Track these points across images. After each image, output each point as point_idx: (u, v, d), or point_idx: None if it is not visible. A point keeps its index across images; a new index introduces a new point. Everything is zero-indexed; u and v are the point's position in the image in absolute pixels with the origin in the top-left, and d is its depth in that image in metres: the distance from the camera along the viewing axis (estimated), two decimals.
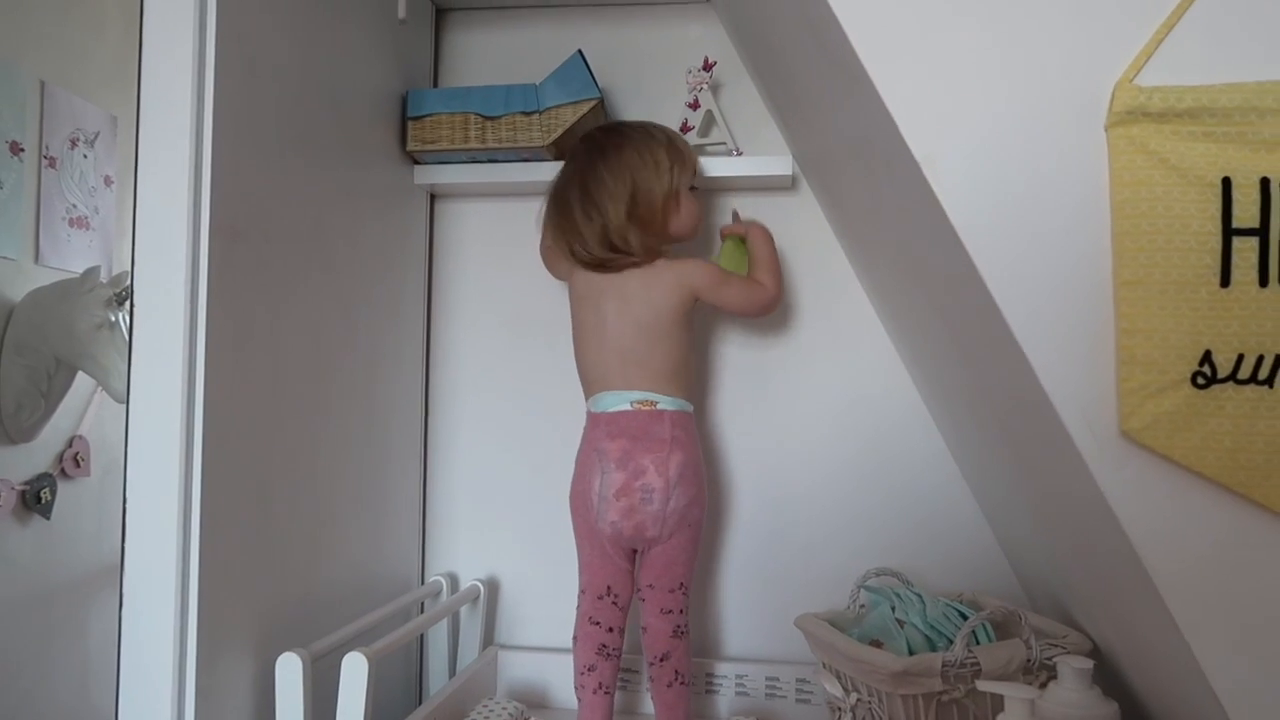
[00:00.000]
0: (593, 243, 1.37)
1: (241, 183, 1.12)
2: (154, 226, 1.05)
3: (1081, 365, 0.81)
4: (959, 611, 1.27)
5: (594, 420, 1.38)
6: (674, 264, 1.40)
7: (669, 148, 1.40)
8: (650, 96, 1.64)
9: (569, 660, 1.42)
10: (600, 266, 1.38)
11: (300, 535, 1.28)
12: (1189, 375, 0.79)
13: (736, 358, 1.65)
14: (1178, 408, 0.79)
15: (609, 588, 1.37)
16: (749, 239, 1.48)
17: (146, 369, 1.04)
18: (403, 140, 1.59)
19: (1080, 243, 0.82)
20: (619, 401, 1.36)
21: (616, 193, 1.36)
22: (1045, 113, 0.83)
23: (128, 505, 1.03)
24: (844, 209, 1.47)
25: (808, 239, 1.63)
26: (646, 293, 1.37)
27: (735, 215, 1.57)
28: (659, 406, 1.35)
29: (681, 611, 1.36)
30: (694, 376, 1.43)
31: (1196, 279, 0.79)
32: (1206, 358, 0.79)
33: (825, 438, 1.61)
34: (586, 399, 1.41)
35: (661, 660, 1.36)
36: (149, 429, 1.03)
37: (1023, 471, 1.13)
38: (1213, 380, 0.79)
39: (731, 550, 1.63)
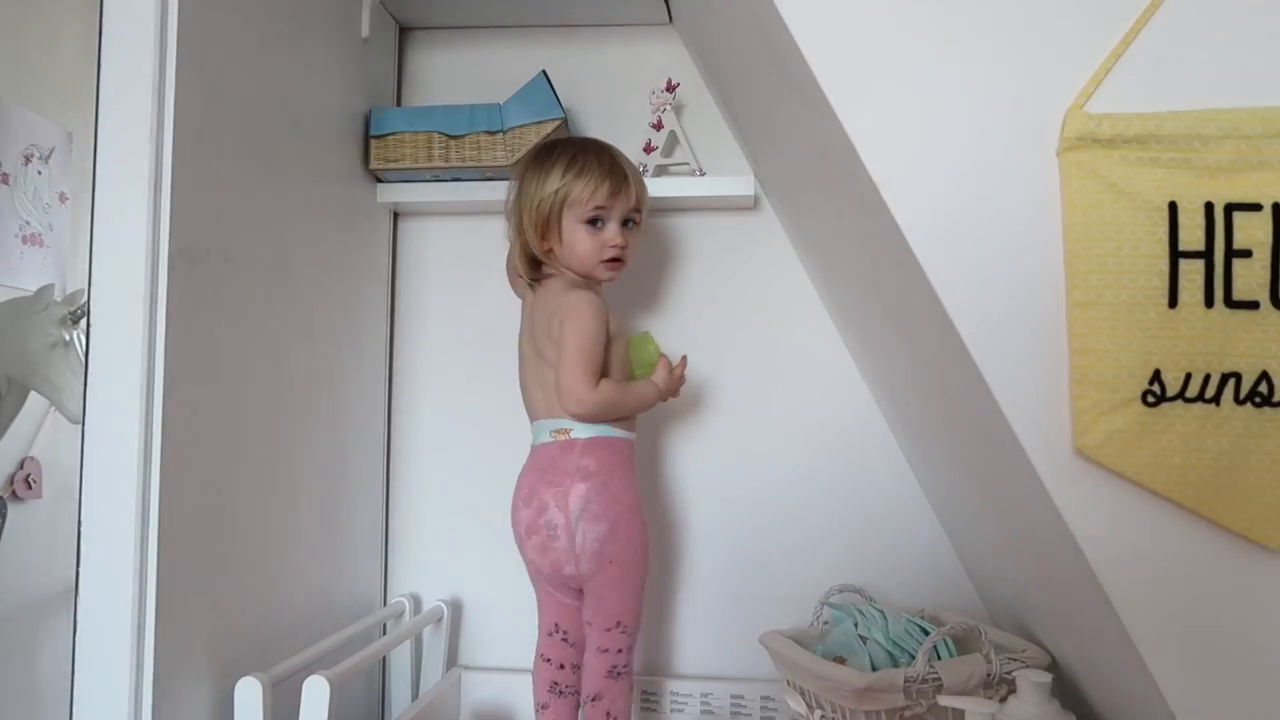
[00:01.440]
0: (513, 255, 1.40)
1: (202, 202, 1.11)
2: (111, 247, 1.04)
3: (1036, 384, 0.83)
4: (920, 627, 1.28)
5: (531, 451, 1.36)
6: (566, 293, 1.31)
7: (566, 168, 1.30)
8: (614, 117, 1.65)
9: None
10: (526, 282, 1.38)
11: (260, 557, 1.26)
12: (1140, 394, 0.81)
13: (699, 379, 1.65)
14: (1129, 425, 0.81)
15: (556, 624, 1.35)
16: (661, 368, 1.35)
17: (103, 390, 1.03)
18: (366, 159, 1.58)
19: (1034, 264, 0.84)
20: (541, 432, 1.33)
21: (516, 203, 1.35)
22: (1000, 137, 0.85)
23: (82, 528, 1.01)
24: (806, 229, 1.49)
25: (770, 259, 1.65)
26: (538, 315, 1.33)
27: (684, 361, 1.41)
28: (572, 435, 1.29)
29: (620, 651, 1.29)
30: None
31: (1146, 300, 0.81)
32: (1156, 376, 0.81)
33: (788, 457, 1.63)
34: None
35: (593, 700, 1.29)
36: (105, 451, 1.02)
37: (981, 489, 1.15)
38: (1162, 398, 0.81)
39: (696, 568, 1.64)
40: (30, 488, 1.85)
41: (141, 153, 1.04)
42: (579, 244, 1.30)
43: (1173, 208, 0.81)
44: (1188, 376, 0.81)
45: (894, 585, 1.55)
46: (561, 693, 1.34)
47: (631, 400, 1.31)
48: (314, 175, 1.43)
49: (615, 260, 1.31)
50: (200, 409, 1.11)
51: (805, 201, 1.37)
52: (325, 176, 1.47)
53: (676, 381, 1.36)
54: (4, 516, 1.78)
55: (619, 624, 1.28)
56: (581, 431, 1.28)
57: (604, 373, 1.29)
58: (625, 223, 1.33)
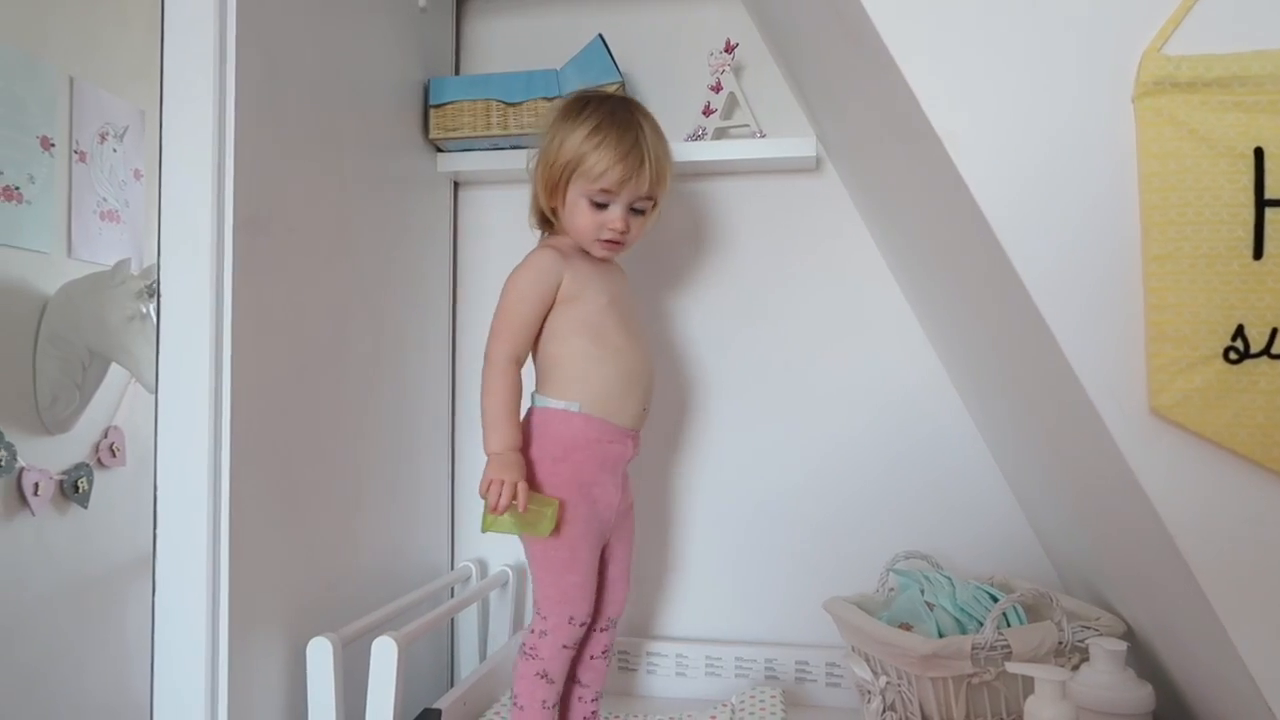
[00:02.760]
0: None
1: (264, 174, 1.13)
2: (179, 219, 1.06)
3: (1110, 342, 0.80)
4: (989, 594, 1.25)
5: None
6: (531, 254, 1.28)
7: (587, 137, 1.20)
8: (672, 80, 1.63)
9: None
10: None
11: (329, 522, 1.29)
12: (1220, 350, 0.77)
13: (761, 343, 1.63)
14: (1209, 384, 0.77)
15: None
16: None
17: (174, 359, 1.05)
18: (425, 128, 1.59)
19: (1108, 217, 0.80)
20: None
21: (538, 154, 1.28)
22: (1070, 85, 0.81)
23: (158, 494, 1.05)
24: (869, 190, 1.46)
25: (832, 222, 1.61)
26: None
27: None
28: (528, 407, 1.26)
29: (532, 633, 1.23)
30: (575, 370, 1.23)
31: (1228, 252, 0.77)
32: (1239, 332, 0.77)
33: (853, 422, 1.60)
34: None
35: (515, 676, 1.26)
36: (177, 418, 1.04)
37: (1054, 452, 1.12)
38: (1245, 355, 0.77)
39: (761, 535, 1.62)
40: (115, 455, 1.93)
41: (205, 126, 1.06)
42: (578, 216, 1.23)
43: (1258, 154, 0.77)
44: (1274, 332, 0.77)
45: (962, 552, 1.52)
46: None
47: (486, 403, 1.20)
48: (375, 146, 1.44)
49: (611, 242, 1.24)
50: (267, 376, 1.13)
51: (868, 161, 1.34)
52: (386, 147, 1.48)
53: (485, 484, 1.16)
54: (90, 483, 1.85)
55: (538, 607, 1.24)
56: (532, 403, 1.26)
57: (537, 340, 1.24)
58: (635, 208, 1.24)
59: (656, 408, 1.62)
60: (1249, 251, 0.77)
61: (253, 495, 1.09)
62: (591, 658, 1.30)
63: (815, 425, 1.61)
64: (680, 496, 1.65)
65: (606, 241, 1.24)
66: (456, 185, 1.73)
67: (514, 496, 1.14)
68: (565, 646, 1.23)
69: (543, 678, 1.22)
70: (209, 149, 1.06)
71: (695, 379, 1.65)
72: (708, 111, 1.59)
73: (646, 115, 1.26)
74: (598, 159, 1.18)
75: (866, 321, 1.60)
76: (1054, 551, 1.47)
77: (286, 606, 1.17)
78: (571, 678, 1.30)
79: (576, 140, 1.20)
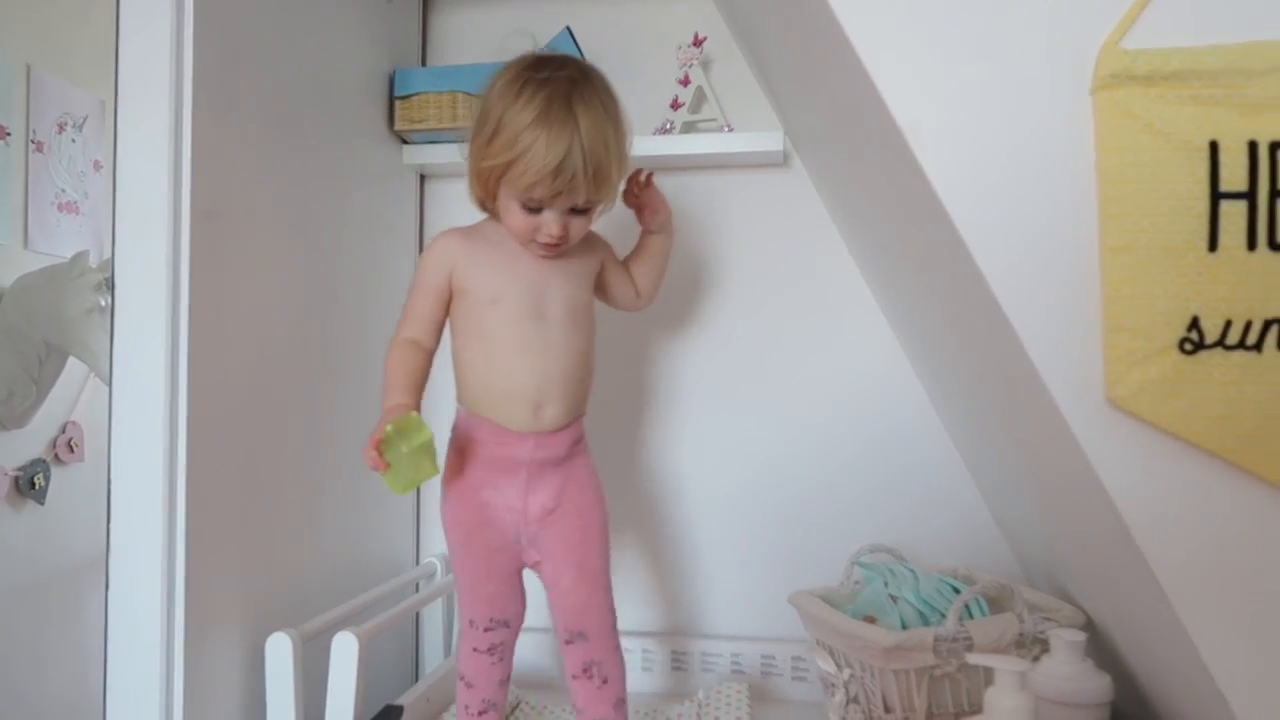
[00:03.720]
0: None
1: (223, 165, 1.11)
2: (134, 210, 1.05)
3: (1067, 332, 0.80)
4: (952, 586, 1.26)
5: None
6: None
7: (518, 135, 1.05)
8: (640, 73, 1.62)
9: None
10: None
11: (290, 517, 1.27)
12: (1176, 341, 0.78)
13: (725, 337, 1.63)
14: (1165, 374, 0.78)
15: None
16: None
17: (129, 351, 1.04)
18: (390, 120, 1.58)
19: (1066, 208, 0.81)
20: None
21: (471, 130, 1.15)
22: (1030, 77, 0.82)
23: (112, 488, 1.03)
24: (836, 185, 1.46)
25: (800, 217, 1.62)
26: None
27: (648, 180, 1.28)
28: None
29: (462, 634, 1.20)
30: (459, 368, 1.17)
31: (1184, 244, 0.78)
32: (1194, 324, 0.78)
33: (818, 416, 1.61)
34: None
35: None
36: (132, 411, 1.03)
37: (1013, 444, 1.12)
38: (1200, 346, 0.78)
39: (726, 529, 1.63)
40: (72, 451, 1.89)
41: (162, 116, 1.04)
42: (510, 217, 1.11)
43: (1213, 147, 0.77)
44: (1228, 323, 0.77)
45: (926, 544, 1.53)
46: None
47: (388, 378, 1.13)
48: (339, 137, 1.42)
49: (549, 245, 1.12)
50: (226, 369, 1.12)
51: (835, 155, 1.34)
52: (350, 138, 1.46)
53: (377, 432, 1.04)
54: (48, 480, 1.81)
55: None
56: None
57: (438, 327, 1.16)
58: (576, 209, 1.11)
59: (616, 401, 1.62)
60: (1204, 244, 0.78)
61: (210, 489, 1.08)
62: (574, 677, 1.16)
63: (780, 418, 1.62)
64: (642, 489, 1.65)
65: (545, 245, 1.11)
66: (422, 178, 1.72)
67: (375, 452, 1.02)
68: (475, 650, 1.17)
69: (461, 679, 1.20)
70: (165, 139, 1.04)
71: (656, 372, 1.65)
72: (675, 105, 1.59)
73: (589, 104, 1.06)
74: (525, 167, 1.04)
75: (832, 315, 1.61)
76: (1017, 544, 1.48)
77: (245, 602, 1.16)
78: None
79: (507, 137, 1.05)
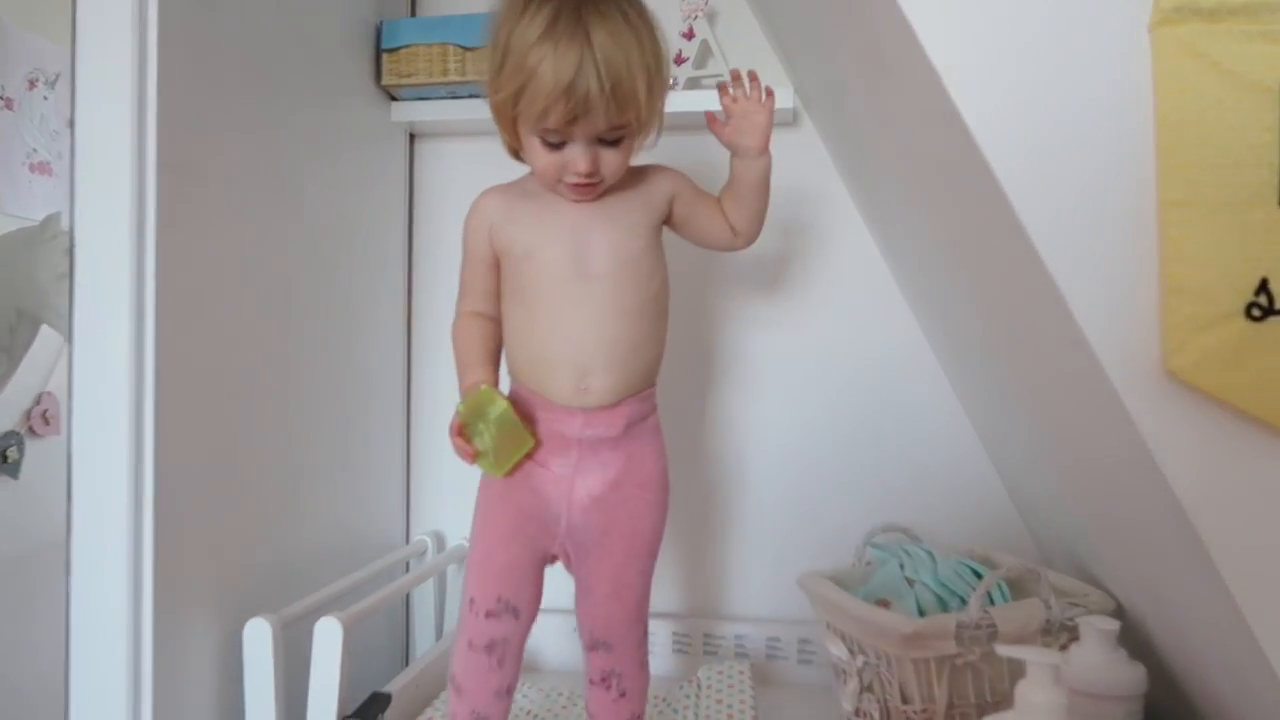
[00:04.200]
0: None
1: (194, 116, 1.03)
2: (94, 164, 0.97)
3: (1120, 296, 0.73)
4: (972, 569, 1.19)
5: None
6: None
7: (525, 57, 0.91)
8: None
9: (558, 621, 1.36)
10: None
11: (271, 494, 1.20)
12: (1243, 306, 0.70)
13: (730, 305, 1.56)
14: (1229, 342, 0.70)
15: None
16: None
17: (91, 316, 0.97)
18: (377, 74, 1.49)
19: (1120, 159, 0.73)
20: None
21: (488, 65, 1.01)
22: (1081, 11, 0.74)
23: (73, 463, 0.96)
24: (850, 143, 1.38)
25: (809, 178, 1.54)
26: None
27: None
28: None
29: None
30: (509, 338, 1.07)
31: (1252, 198, 0.70)
32: (1263, 286, 0.70)
33: (826, 388, 1.53)
34: None
35: None
36: (94, 380, 0.96)
37: (1046, 419, 1.05)
38: (1269, 312, 0.70)
39: (730, 506, 1.56)
40: (47, 424, 1.81)
41: (123, 62, 0.96)
42: (535, 158, 0.99)
43: None
44: None
45: (940, 524, 1.46)
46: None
47: (457, 356, 1.05)
48: (321, 92, 1.33)
49: (581, 186, 0.99)
50: (198, 337, 1.04)
51: (851, 111, 1.26)
52: (334, 93, 1.37)
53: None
54: (21, 452, 1.74)
55: None
56: None
57: (486, 295, 1.06)
58: (606, 139, 0.97)
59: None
60: (1275, 197, 0.70)
61: (181, 464, 1.00)
62: (591, 683, 1.07)
63: (786, 391, 1.55)
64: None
65: (575, 185, 0.99)
66: (412, 137, 1.63)
67: (460, 439, 0.96)
68: (472, 646, 1.01)
69: (451, 682, 1.03)
70: (128, 88, 0.96)
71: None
72: (679, 60, 1.50)
73: (604, 13, 0.92)
74: (535, 91, 0.91)
75: (843, 285, 1.53)
76: (1035, 524, 1.42)
77: (221, 585, 1.09)
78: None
79: (515, 61, 0.92)
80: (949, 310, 1.29)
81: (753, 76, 1.07)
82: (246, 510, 1.14)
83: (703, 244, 1.15)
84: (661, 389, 1.57)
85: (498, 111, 0.99)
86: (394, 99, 1.53)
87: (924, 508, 1.48)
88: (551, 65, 0.90)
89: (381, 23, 1.49)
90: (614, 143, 0.97)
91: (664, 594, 1.57)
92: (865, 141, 1.26)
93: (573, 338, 1.00)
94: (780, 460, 1.54)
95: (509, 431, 0.96)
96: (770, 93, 1.07)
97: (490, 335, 1.05)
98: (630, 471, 1.04)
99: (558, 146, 0.96)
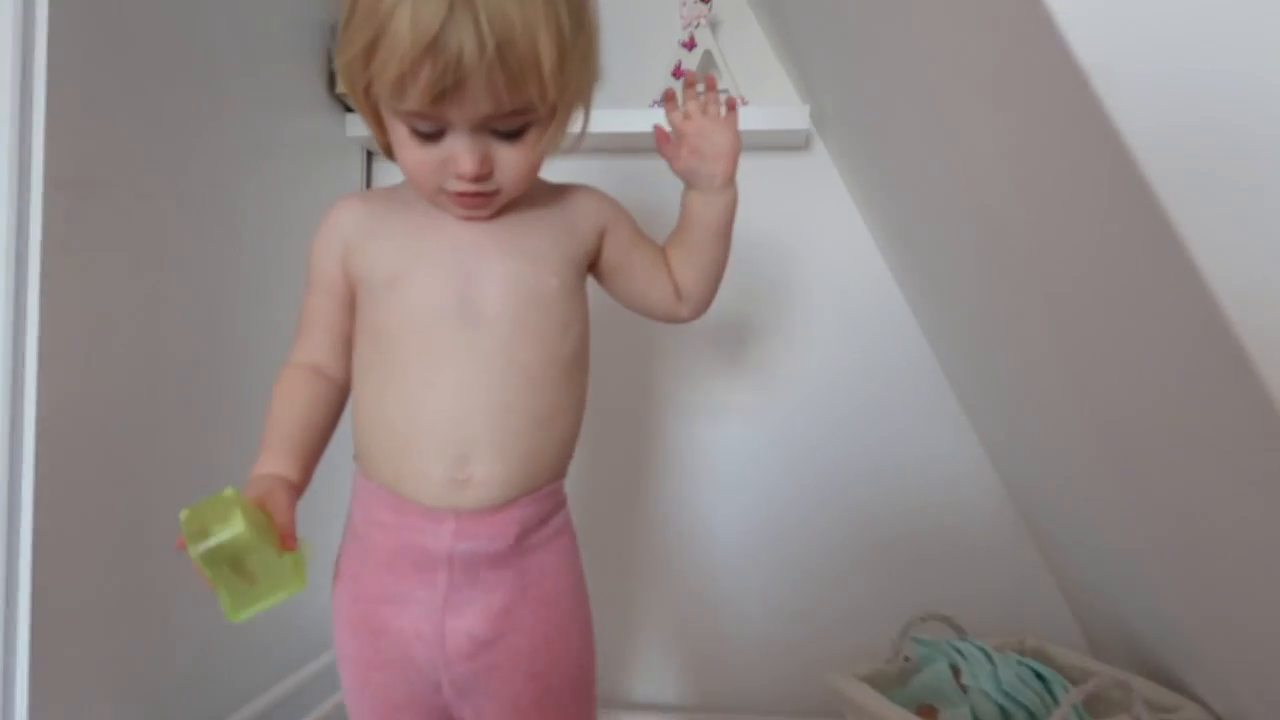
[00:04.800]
0: None
1: (94, 125, 0.82)
2: None
3: None
4: (1035, 672, 1.01)
5: None
6: None
7: (371, 10, 0.63)
8: (636, 35, 1.35)
9: None
10: None
11: (187, 579, 0.97)
12: None
13: (736, 348, 1.37)
14: None
15: None
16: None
17: None
18: (331, 82, 1.28)
19: None
20: None
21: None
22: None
23: None
24: (880, 167, 1.20)
25: (822, 208, 1.37)
26: None
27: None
28: None
29: None
30: (356, 404, 0.77)
31: None
32: None
33: (838, 443, 1.35)
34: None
35: None
36: None
37: (1144, 485, 0.87)
38: None
39: (740, 581, 1.36)
40: None
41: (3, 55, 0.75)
42: (403, 154, 0.71)
43: None
44: None
45: (968, 602, 1.28)
46: None
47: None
48: (263, 101, 1.13)
49: (467, 195, 0.71)
50: (94, 383, 0.82)
51: (893, 131, 1.08)
52: (279, 103, 1.17)
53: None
54: None
55: None
56: None
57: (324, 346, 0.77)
58: (500, 130, 0.68)
59: (604, 425, 1.35)
60: None
61: (62, 544, 0.78)
62: None
63: (795, 449, 1.36)
64: (636, 531, 1.38)
65: (459, 195, 0.71)
66: (370, 155, 1.42)
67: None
68: None
69: None
70: (7, 87, 0.75)
71: (647, 389, 1.38)
72: (678, 73, 1.32)
73: None
74: (387, 53, 0.62)
75: (859, 327, 1.35)
76: (1086, 609, 1.24)
77: (122, 700, 0.86)
78: None
79: (364, 7, 0.63)
80: (994, 357, 1.11)
81: (709, 84, 0.83)
82: (154, 603, 0.92)
83: (635, 305, 0.86)
84: (652, 442, 1.35)
85: (349, 83, 0.70)
86: (349, 110, 1.32)
87: (943, 581, 1.31)
88: (409, 13, 0.61)
89: (336, 23, 1.28)
90: (513, 135, 0.69)
91: (668, 683, 1.36)
92: (909, 162, 1.09)
93: (446, 405, 0.70)
94: (788, 529, 1.35)
95: (260, 566, 0.63)
96: (733, 104, 0.83)
97: (319, 403, 0.75)
98: (526, 590, 0.73)
99: (432, 138, 0.68)
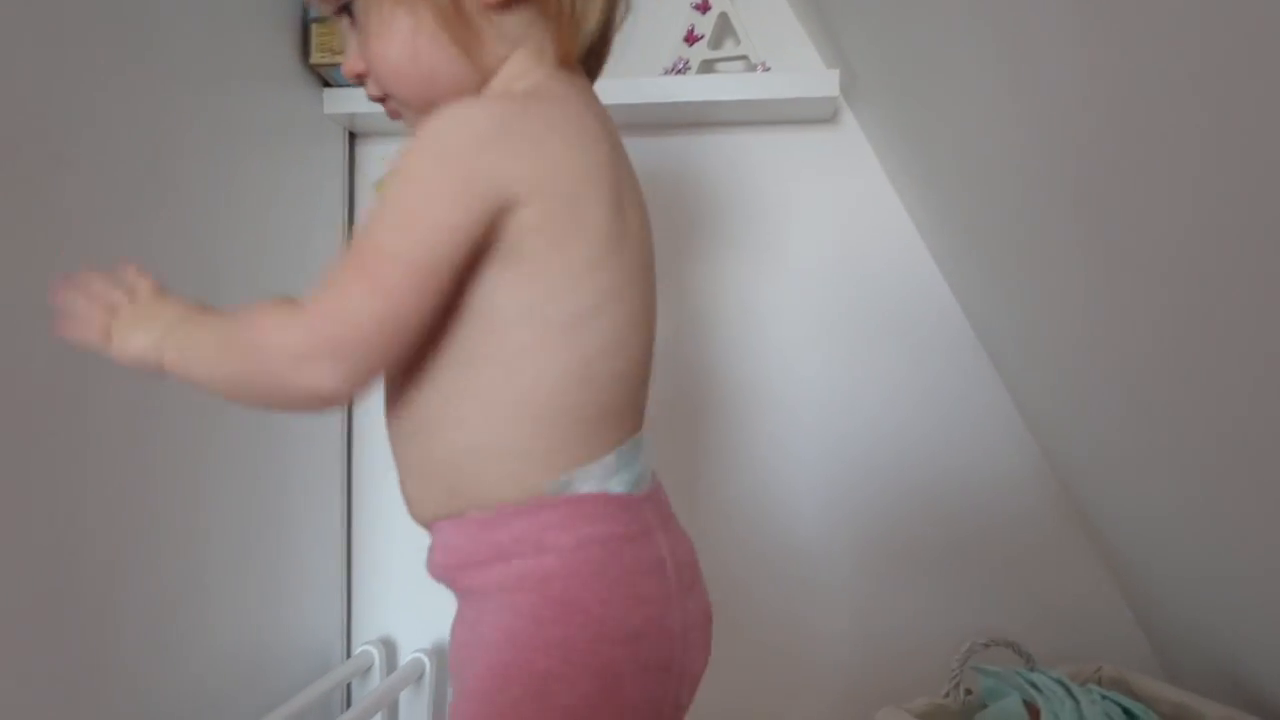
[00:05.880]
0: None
1: (35, 95, 0.69)
2: None
3: None
4: (1124, 709, 0.87)
5: (627, 502, 0.60)
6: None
7: None
8: None
9: None
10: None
11: (161, 610, 0.84)
12: None
13: (759, 345, 1.24)
14: None
15: None
16: None
17: None
18: (305, 50, 1.15)
19: None
20: (647, 456, 0.65)
21: None
22: None
23: None
24: (929, 137, 1.05)
25: (851, 188, 1.23)
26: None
27: None
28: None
29: None
30: None
31: None
32: None
33: (882, 452, 1.21)
34: (589, 457, 0.59)
35: None
36: None
37: (1242, 500, 0.74)
38: None
39: (767, 603, 1.22)
40: None
41: None
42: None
43: None
44: None
45: (1021, 620, 1.16)
46: None
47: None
48: (228, 72, 1.00)
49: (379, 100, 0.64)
50: (27, 397, 0.69)
51: (939, 90, 0.94)
52: (247, 75, 1.04)
53: None
54: None
55: None
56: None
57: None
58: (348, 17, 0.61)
59: None
60: None
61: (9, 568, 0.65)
62: None
63: (835, 457, 1.22)
64: None
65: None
66: (353, 136, 1.29)
67: None
68: None
69: None
70: None
71: (674, 387, 1.25)
72: (691, 38, 1.19)
73: None
74: None
75: (901, 321, 1.22)
76: (1161, 628, 1.10)
77: None
78: None
79: None
80: (1087, 365, 0.96)
81: None
82: (116, 633, 0.79)
83: None
84: (681, 446, 1.21)
85: None
86: (327, 84, 1.19)
87: (1008, 606, 1.17)
88: None
89: None
90: (350, 20, 0.61)
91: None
92: (976, 130, 0.94)
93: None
94: (830, 553, 1.22)
95: None
96: None
97: None
98: (466, 647, 0.61)
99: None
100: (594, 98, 0.64)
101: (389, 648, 1.26)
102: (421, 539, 0.65)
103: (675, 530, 0.64)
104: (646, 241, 0.63)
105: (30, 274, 0.71)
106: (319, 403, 0.53)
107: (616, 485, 0.59)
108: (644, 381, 0.64)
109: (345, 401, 0.55)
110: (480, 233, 0.53)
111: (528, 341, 0.56)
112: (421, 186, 0.53)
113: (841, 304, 1.22)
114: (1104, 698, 0.88)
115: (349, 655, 1.25)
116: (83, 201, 0.77)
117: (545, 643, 0.55)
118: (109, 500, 0.79)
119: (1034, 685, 0.90)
